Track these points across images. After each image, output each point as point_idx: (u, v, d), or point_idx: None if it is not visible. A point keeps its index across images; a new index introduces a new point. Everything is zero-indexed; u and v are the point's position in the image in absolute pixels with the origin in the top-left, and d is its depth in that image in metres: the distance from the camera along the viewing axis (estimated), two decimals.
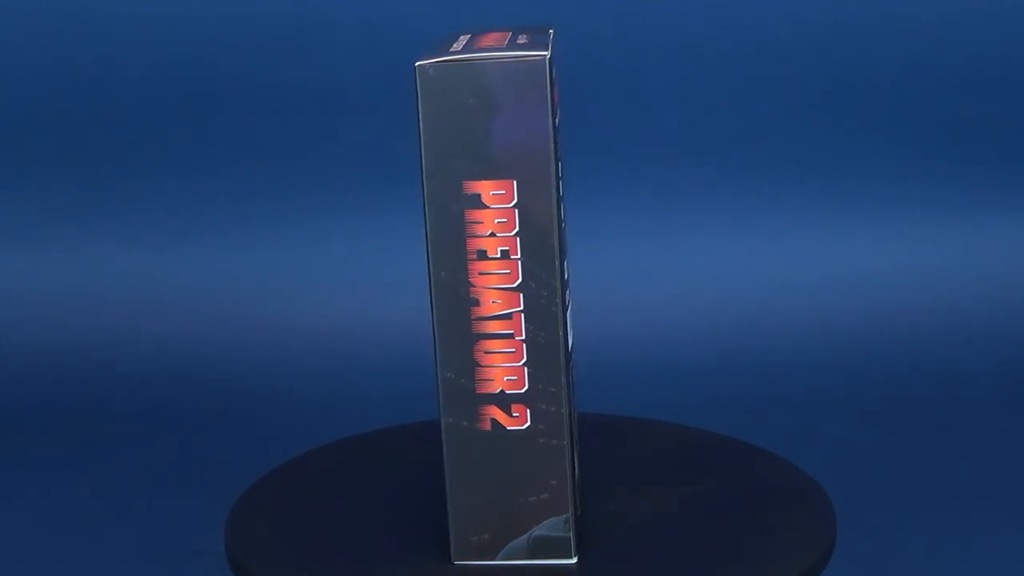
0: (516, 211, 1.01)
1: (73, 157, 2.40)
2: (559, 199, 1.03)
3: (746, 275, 2.31)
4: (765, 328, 2.25)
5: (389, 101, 2.24)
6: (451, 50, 1.01)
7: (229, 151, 2.37)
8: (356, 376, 2.21)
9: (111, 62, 2.36)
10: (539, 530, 1.07)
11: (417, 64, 0.97)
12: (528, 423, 1.05)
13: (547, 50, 1.00)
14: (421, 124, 0.98)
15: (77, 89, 2.38)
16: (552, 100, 1.00)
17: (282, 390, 2.20)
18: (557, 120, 1.03)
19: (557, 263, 1.03)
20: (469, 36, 1.10)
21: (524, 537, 1.07)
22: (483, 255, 1.01)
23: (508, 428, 1.05)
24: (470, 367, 1.03)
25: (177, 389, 2.21)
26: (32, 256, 2.38)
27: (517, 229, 1.01)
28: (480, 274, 1.02)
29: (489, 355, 1.03)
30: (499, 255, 1.02)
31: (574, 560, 1.08)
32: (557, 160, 1.02)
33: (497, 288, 1.02)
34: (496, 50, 0.99)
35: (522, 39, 1.05)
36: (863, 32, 2.33)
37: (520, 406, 1.04)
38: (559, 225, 1.02)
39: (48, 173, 2.40)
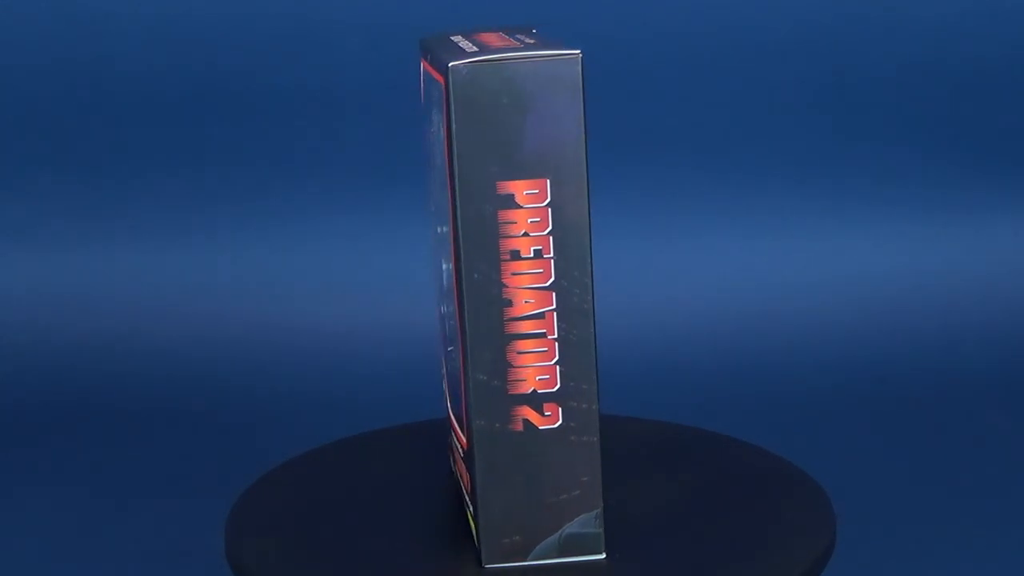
0: (549, 210, 1.01)
1: (73, 157, 2.39)
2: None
3: (746, 275, 2.31)
4: (765, 328, 2.24)
5: (390, 101, 2.25)
6: (469, 51, 1.01)
7: (229, 151, 2.37)
8: (356, 376, 2.20)
9: (111, 62, 2.35)
10: (570, 528, 1.07)
11: (450, 65, 0.97)
12: (560, 421, 1.05)
13: (578, 48, 1.00)
14: (453, 126, 0.98)
15: (77, 89, 2.37)
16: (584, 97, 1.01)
17: (282, 390, 2.20)
18: None
19: (589, 260, 1.03)
20: (462, 36, 1.10)
21: (555, 536, 1.07)
22: (516, 255, 1.01)
23: (540, 428, 1.04)
24: (502, 368, 1.03)
25: (177, 389, 2.21)
26: (32, 256, 2.37)
27: (550, 228, 1.01)
28: (513, 274, 1.01)
29: (521, 355, 1.03)
30: (532, 255, 1.01)
31: (603, 556, 1.09)
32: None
33: (530, 288, 1.02)
34: (524, 49, 0.99)
35: (529, 39, 1.04)
36: (863, 32, 2.33)
37: (552, 405, 1.04)
38: (591, 222, 1.03)
39: (48, 173, 2.39)
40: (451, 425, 1.22)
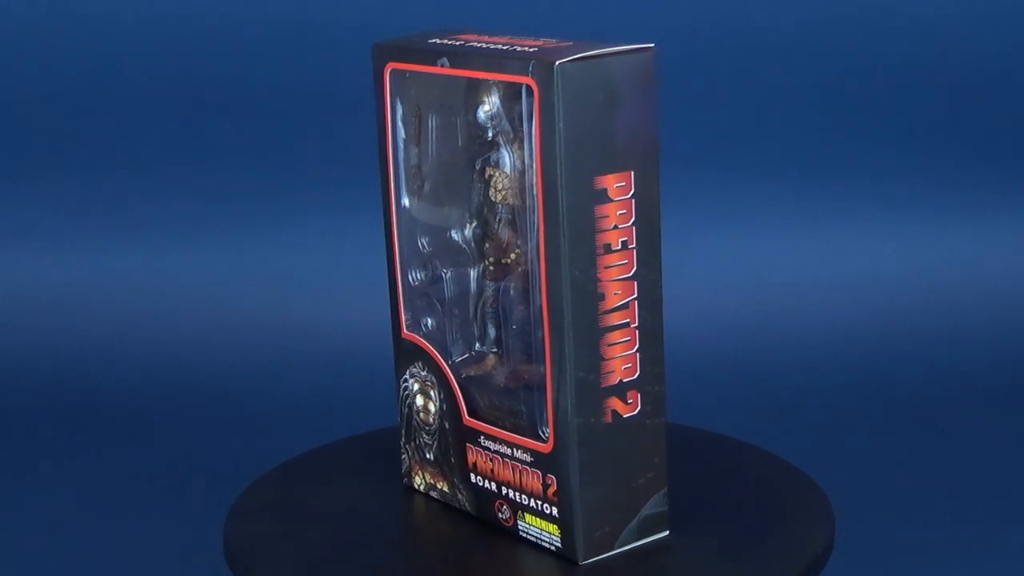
0: (633, 201, 1.02)
1: (72, 158, 2.36)
2: None
3: (746, 275, 2.29)
4: (765, 328, 2.23)
5: None
6: (532, 51, 0.99)
7: (227, 152, 2.34)
8: (356, 376, 2.16)
9: (111, 63, 2.32)
10: (646, 510, 1.08)
11: (557, 63, 0.95)
12: (639, 408, 1.06)
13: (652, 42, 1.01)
14: (560, 124, 0.96)
15: (77, 90, 2.34)
16: None
17: (282, 390, 2.18)
18: None
19: (659, 245, 1.04)
20: (443, 38, 1.09)
21: (635, 520, 1.08)
22: (608, 248, 1.01)
23: (624, 416, 1.05)
24: (597, 362, 1.02)
25: (177, 389, 2.19)
26: (31, 256, 2.34)
27: (633, 219, 1.02)
28: (605, 268, 1.01)
29: (611, 347, 1.03)
30: (620, 246, 1.02)
31: (667, 533, 1.10)
32: None
33: (618, 280, 1.02)
34: (596, 46, 0.99)
35: (530, 41, 1.04)
36: (864, 32, 2.32)
37: (633, 392, 1.05)
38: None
39: (47, 174, 2.37)
40: (403, 440, 1.20)
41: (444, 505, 1.17)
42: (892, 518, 1.76)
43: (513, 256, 1.07)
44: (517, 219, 1.06)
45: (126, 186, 2.35)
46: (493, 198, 1.07)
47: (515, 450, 1.08)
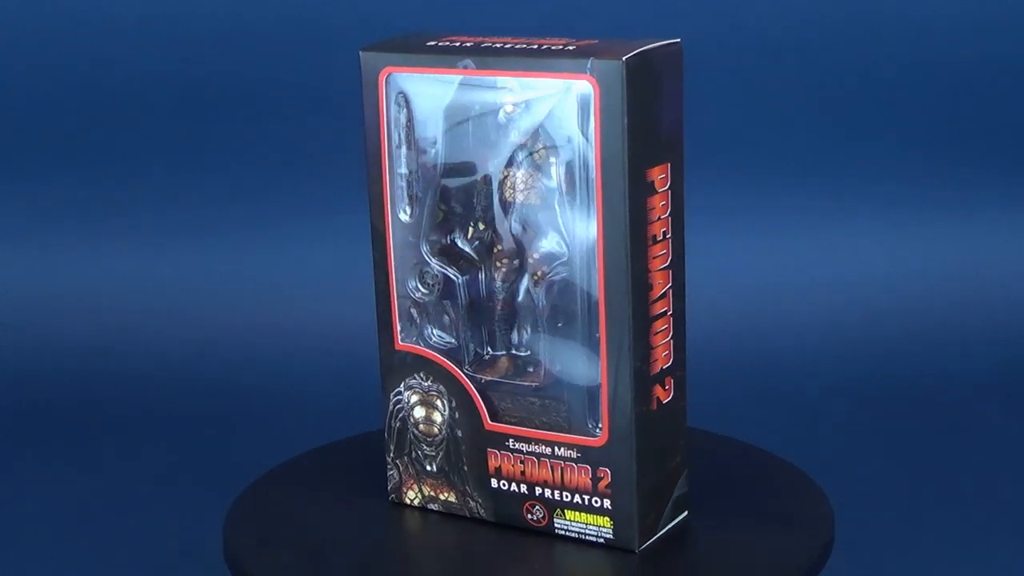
0: (669, 192, 1.04)
1: (71, 158, 2.32)
2: None
3: (746, 275, 2.25)
4: (765, 328, 2.20)
5: None
6: (577, 50, 1.00)
7: (227, 152, 2.28)
8: (357, 377, 2.05)
9: (110, 63, 2.28)
10: (675, 491, 1.11)
11: (624, 59, 0.96)
12: (672, 392, 1.08)
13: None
14: (625, 120, 0.97)
15: (77, 90, 2.30)
16: None
17: (282, 391, 2.12)
18: None
19: (684, 232, 1.07)
20: (442, 39, 1.09)
21: (670, 503, 1.10)
22: (655, 240, 1.03)
23: (664, 402, 1.07)
24: (647, 352, 1.04)
25: (176, 389, 2.13)
26: (30, 257, 2.30)
27: (670, 210, 1.04)
28: (653, 259, 1.03)
29: (656, 336, 1.05)
30: (662, 237, 1.04)
31: (687, 512, 1.13)
32: None
33: (660, 270, 1.04)
34: (634, 41, 1.01)
35: (548, 40, 1.06)
36: (863, 32, 2.30)
37: (669, 378, 1.08)
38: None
39: (47, 174, 2.32)
40: (390, 447, 1.18)
41: (447, 515, 1.17)
42: (892, 518, 1.77)
43: (536, 256, 1.08)
44: (541, 218, 1.07)
45: (126, 187, 2.30)
46: (510, 198, 1.07)
47: (557, 448, 1.08)
